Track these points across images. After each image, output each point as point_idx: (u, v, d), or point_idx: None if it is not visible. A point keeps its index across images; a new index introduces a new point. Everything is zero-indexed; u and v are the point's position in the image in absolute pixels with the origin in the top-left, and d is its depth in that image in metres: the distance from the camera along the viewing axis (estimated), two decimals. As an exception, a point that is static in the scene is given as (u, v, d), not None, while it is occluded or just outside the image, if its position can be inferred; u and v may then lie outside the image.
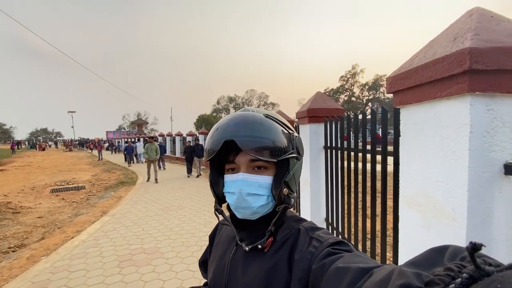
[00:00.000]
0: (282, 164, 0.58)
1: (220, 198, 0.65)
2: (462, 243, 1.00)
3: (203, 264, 0.84)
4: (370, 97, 38.34)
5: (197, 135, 14.59)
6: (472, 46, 0.91)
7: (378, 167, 1.88)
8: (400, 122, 1.39)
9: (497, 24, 0.99)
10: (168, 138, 18.96)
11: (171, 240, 4.11)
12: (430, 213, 1.17)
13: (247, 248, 0.59)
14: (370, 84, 38.23)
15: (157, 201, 6.52)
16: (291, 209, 0.66)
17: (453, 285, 0.23)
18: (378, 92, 37.73)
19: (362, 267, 0.40)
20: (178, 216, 5.30)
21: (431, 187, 1.17)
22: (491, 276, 0.22)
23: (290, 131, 0.61)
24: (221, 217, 0.67)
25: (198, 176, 10.34)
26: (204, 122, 37.00)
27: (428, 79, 1.11)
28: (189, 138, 14.72)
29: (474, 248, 0.24)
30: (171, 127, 47.63)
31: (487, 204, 0.98)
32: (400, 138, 1.38)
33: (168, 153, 18.53)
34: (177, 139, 17.17)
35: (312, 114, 2.86)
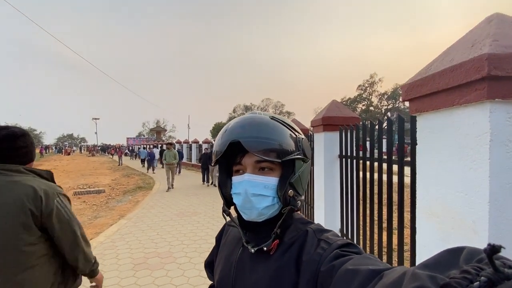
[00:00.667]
0: (287, 165, 0.58)
1: (228, 200, 0.67)
2: (484, 257, 0.95)
3: (209, 265, 0.85)
4: (389, 107, 37.40)
5: (213, 142, 14.85)
6: (490, 52, 0.88)
7: (395, 178, 1.82)
8: (416, 130, 1.36)
9: (518, 30, 0.96)
10: (185, 145, 19.40)
11: (184, 245, 4.15)
12: (449, 225, 1.12)
13: (252, 250, 0.59)
14: (389, 93, 37.34)
15: (173, 207, 6.63)
16: (299, 212, 0.66)
17: None
18: (397, 102, 36.71)
19: (372, 269, 0.39)
20: (192, 222, 5.35)
21: (449, 197, 1.12)
22: None
23: (296, 133, 0.61)
24: (228, 219, 0.68)
25: (213, 184, 9.77)
26: (220, 130, 37.68)
27: (445, 86, 1.08)
28: (205, 146, 14.97)
29: (493, 250, 0.23)
30: (188, 135, 48.74)
31: (507, 216, 0.93)
32: (417, 146, 1.34)
33: (184, 159, 18.91)
34: (194, 146, 17.51)
35: (327, 122, 2.84)
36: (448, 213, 1.13)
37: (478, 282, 0.22)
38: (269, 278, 0.56)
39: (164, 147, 24.01)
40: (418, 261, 1.37)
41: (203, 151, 10.45)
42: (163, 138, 42.04)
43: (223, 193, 0.66)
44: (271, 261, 0.58)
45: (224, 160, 0.64)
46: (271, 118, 0.61)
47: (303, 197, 0.61)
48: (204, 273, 3.24)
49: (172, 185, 9.24)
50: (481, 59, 0.90)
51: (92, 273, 1.25)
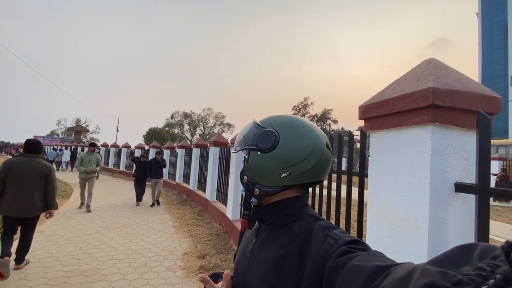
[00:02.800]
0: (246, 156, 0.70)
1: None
2: (425, 248, 1.17)
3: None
4: (318, 127, 41.69)
5: (146, 148, 13.74)
6: (435, 86, 1.14)
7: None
8: (368, 145, 1.60)
9: (449, 72, 1.27)
10: (112, 149, 17.36)
11: (115, 260, 3.68)
12: (395, 224, 1.35)
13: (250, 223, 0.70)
14: (318, 116, 41.69)
15: (98, 218, 5.81)
16: (310, 208, 0.71)
17: (485, 286, 0.21)
18: (325, 124, 41.26)
19: (379, 265, 0.39)
20: (124, 235, 4.79)
21: (396, 201, 1.35)
22: None
23: (257, 129, 0.68)
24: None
25: (153, 205, 7.39)
26: (155, 136, 35.06)
27: (397, 110, 1.33)
28: (138, 152, 13.74)
29: (511, 247, 0.22)
30: (116, 138, 43.86)
31: (442, 215, 1.18)
32: (370, 159, 1.57)
33: (111, 165, 16.87)
34: (123, 151, 15.86)
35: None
36: (395, 215, 1.36)
37: (493, 280, 0.21)
38: (273, 262, 0.60)
39: (80, 149, 20.88)
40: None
41: (140, 157, 8.01)
42: (84, 140, 36.70)
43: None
44: (276, 247, 0.62)
45: None
46: (253, 122, 0.72)
47: (262, 187, 0.66)
48: None
49: (88, 206, 6.32)
50: (428, 91, 1.16)
51: (52, 207, 3.45)
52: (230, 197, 5.13)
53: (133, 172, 8.01)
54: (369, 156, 1.59)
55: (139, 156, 8.56)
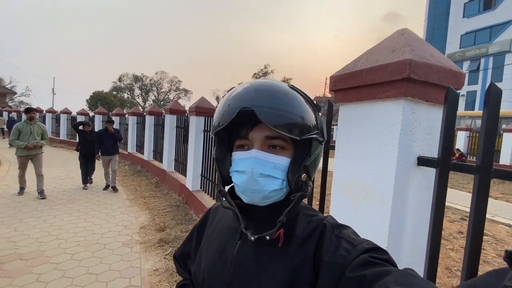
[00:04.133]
0: (303, 145, 0.51)
1: (225, 179, 0.56)
2: (387, 220, 1.22)
3: (182, 257, 0.71)
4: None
5: (91, 114, 12.28)
6: (412, 58, 1.10)
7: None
8: (338, 117, 1.57)
9: (422, 45, 1.24)
10: (49, 116, 15.22)
11: (60, 240, 3.34)
12: (360, 197, 1.38)
13: (252, 238, 0.52)
14: (278, 84, 41.87)
15: (35, 193, 5.15)
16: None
17: None
18: (284, 93, 41.76)
19: None
20: (69, 211, 4.36)
21: (363, 175, 1.37)
22: None
23: (315, 109, 0.54)
24: (224, 201, 0.57)
25: (107, 187, 5.78)
26: (101, 101, 31.54)
27: (371, 82, 1.28)
28: (80, 118, 12.25)
29: (511, 256, 0.23)
30: (53, 102, 38.43)
31: (404, 188, 1.23)
32: (338, 131, 1.55)
33: (49, 134, 14.91)
34: (63, 117, 14.02)
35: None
36: (360, 187, 1.38)
37: None
38: (284, 277, 0.49)
39: (15, 115, 17.98)
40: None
41: (85, 127, 6.04)
42: (10, 104, 31.41)
43: (221, 170, 0.55)
44: (285, 258, 0.51)
45: (224, 131, 0.52)
46: (291, 87, 0.53)
47: (311, 183, 0.55)
48: (95, 269, 2.77)
49: (42, 191, 4.94)
50: (405, 63, 1.11)
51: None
52: (190, 167, 4.94)
53: (77, 145, 6.04)
54: (334, 126, 1.57)
55: (82, 122, 6.32)
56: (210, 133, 0.57)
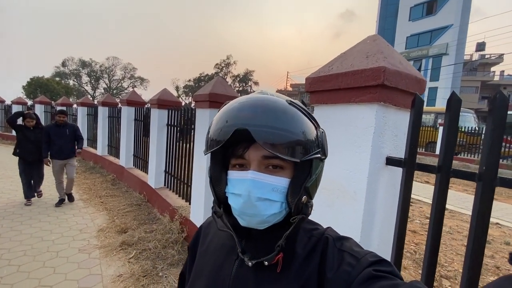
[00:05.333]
0: (303, 165, 0.48)
1: (220, 199, 0.53)
2: (360, 216, 1.30)
3: (181, 277, 0.67)
4: (240, 89, 41.76)
5: (29, 104, 10.76)
6: (386, 66, 1.17)
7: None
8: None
9: (392, 52, 1.32)
10: (-26, 105, 12.97)
11: (3, 250, 2.92)
12: (335, 195, 1.45)
13: (250, 264, 0.50)
14: (241, 77, 41.54)
15: (-37, 197, 4.40)
16: None
17: None
18: (246, 86, 41.66)
19: None
20: (11, 216, 3.82)
21: (337, 174, 1.43)
22: None
23: (316, 124, 0.52)
24: (220, 222, 0.54)
25: (61, 202, 4.41)
26: (41, 88, 27.81)
27: (346, 86, 1.33)
28: (16, 108, 10.70)
29: None
30: (-22, 89, 32.88)
31: (375, 186, 1.32)
32: (313, 132, 1.59)
33: (-26, 126, 12.77)
34: (-6, 107, 12.11)
35: (213, 99, 2.78)
36: (335, 186, 1.45)
37: None
38: None
39: None
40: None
41: (26, 121, 4.41)
42: None
43: (216, 191, 0.52)
44: (288, 280, 0.49)
45: (220, 149, 0.48)
46: (289, 103, 0.49)
47: (312, 202, 0.53)
48: (47, 281, 2.51)
49: None
50: (380, 70, 1.18)
51: None
52: (152, 164, 4.68)
53: (15, 147, 4.33)
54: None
55: (23, 112, 4.50)
56: (204, 152, 0.51)
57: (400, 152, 1.35)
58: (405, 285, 0.40)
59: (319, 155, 0.50)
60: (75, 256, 2.93)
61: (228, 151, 0.51)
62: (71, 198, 4.62)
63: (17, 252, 2.90)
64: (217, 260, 0.56)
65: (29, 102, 12.46)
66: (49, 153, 4.29)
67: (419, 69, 26.09)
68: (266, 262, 0.48)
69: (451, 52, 23.95)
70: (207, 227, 0.65)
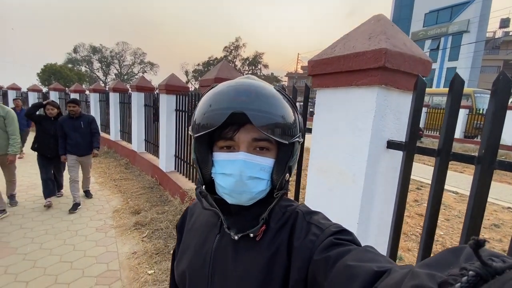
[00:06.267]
0: (286, 146, 0.53)
1: (206, 180, 0.56)
2: (358, 199, 1.33)
3: (173, 255, 0.72)
4: (249, 72, 41.16)
5: (45, 91, 11.06)
6: (388, 48, 1.14)
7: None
8: (315, 101, 1.61)
9: (396, 33, 1.28)
10: (-7, 92, 13.45)
11: (26, 229, 3.15)
12: (334, 178, 1.47)
13: (236, 237, 0.54)
14: (250, 60, 40.81)
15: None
16: None
17: (459, 284, 0.22)
18: (256, 68, 40.99)
19: (376, 270, 0.37)
20: (31, 198, 4.07)
21: (337, 157, 1.45)
22: (504, 274, 0.21)
23: (297, 110, 0.57)
24: (205, 202, 0.57)
25: (75, 207, 3.77)
26: (54, 75, 28.40)
27: (348, 68, 1.31)
28: (33, 95, 11.03)
29: (477, 244, 0.23)
30: (-4, 77, 33.92)
31: (375, 169, 1.33)
32: (315, 116, 1.59)
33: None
34: (11, 94, 12.51)
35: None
36: (334, 169, 1.47)
37: (466, 277, 0.22)
38: (260, 267, 0.52)
39: None
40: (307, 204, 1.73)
41: (42, 106, 3.85)
42: None
43: (203, 172, 0.55)
44: (261, 249, 0.54)
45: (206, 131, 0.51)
46: (277, 90, 0.54)
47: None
48: (70, 257, 2.67)
49: (12, 196, 3.81)
50: (381, 52, 1.15)
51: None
52: (163, 148, 4.80)
53: (33, 141, 3.84)
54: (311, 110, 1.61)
55: (41, 103, 3.89)
56: (193, 133, 0.54)
57: (402, 136, 1.34)
58: (357, 249, 0.44)
59: (300, 138, 0.55)
60: (93, 235, 3.13)
61: (215, 134, 0.53)
62: (88, 194, 4.28)
63: (40, 231, 3.12)
64: (201, 236, 0.61)
65: (44, 89, 12.80)
66: (64, 148, 3.79)
67: (437, 48, 24.82)
68: (251, 234, 0.53)
69: (473, 29, 22.54)
70: (193, 208, 0.70)
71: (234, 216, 0.57)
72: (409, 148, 1.22)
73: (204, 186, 0.57)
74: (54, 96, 10.32)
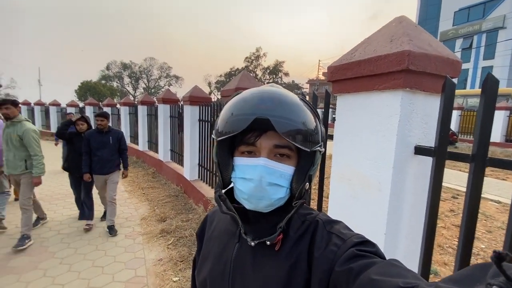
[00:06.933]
0: (307, 155, 0.53)
1: (225, 184, 0.57)
2: (385, 208, 1.26)
3: (194, 262, 0.74)
4: (270, 81, 41.48)
5: (80, 106, 11.98)
6: (410, 50, 1.10)
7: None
8: (336, 108, 1.57)
9: (420, 33, 1.23)
10: (37, 108, 14.83)
11: (62, 235, 3.38)
12: (358, 185, 1.42)
13: (252, 243, 0.54)
14: (271, 69, 41.19)
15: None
16: None
17: None
18: (277, 77, 41.24)
19: (402, 287, 0.35)
20: (68, 206, 4.36)
21: (360, 164, 1.40)
22: None
23: (319, 119, 0.56)
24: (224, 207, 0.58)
25: (104, 216, 3.79)
26: (89, 91, 30.74)
27: (369, 73, 1.28)
28: (71, 110, 11.97)
29: (499, 258, 0.23)
30: (40, 94, 37.38)
31: (402, 177, 1.26)
32: (336, 122, 1.56)
33: (38, 126, 14.59)
34: (52, 110, 13.69)
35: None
36: (357, 176, 1.42)
37: None
38: (281, 278, 0.51)
39: None
40: (330, 213, 1.68)
41: (72, 124, 3.68)
42: (-4, 97, 30.36)
43: (223, 176, 0.56)
44: (280, 258, 0.53)
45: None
46: (300, 99, 0.55)
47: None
48: (102, 262, 2.78)
49: (40, 219, 3.61)
50: (403, 54, 1.11)
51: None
52: (187, 157, 4.95)
53: (63, 161, 3.79)
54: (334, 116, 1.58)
55: (71, 121, 3.74)
56: (216, 137, 0.54)
57: (431, 141, 1.27)
58: (382, 262, 0.42)
59: (321, 147, 0.54)
60: (122, 241, 3.27)
61: (237, 138, 0.54)
62: (112, 231, 3.45)
63: (75, 237, 3.32)
64: (221, 244, 0.61)
65: (81, 104, 13.84)
66: (89, 166, 3.44)
67: (470, 47, 23.34)
68: (268, 242, 0.52)
69: (509, 25, 20.95)
70: (212, 215, 0.71)
71: (252, 223, 0.57)
72: (439, 153, 1.15)
73: (223, 191, 0.57)
74: (89, 111, 11.11)
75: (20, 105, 3.17)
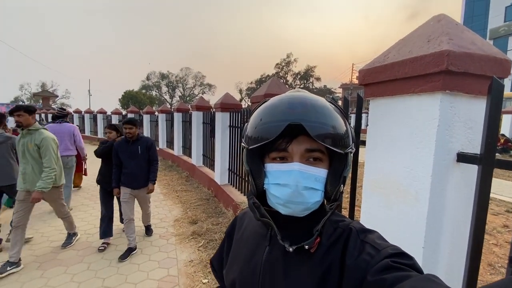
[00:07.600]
0: (339, 157, 0.53)
1: (259, 191, 0.56)
2: (423, 220, 1.17)
3: (217, 262, 0.75)
4: (301, 86, 41.12)
5: (124, 113, 13.00)
6: (450, 49, 1.02)
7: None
8: (368, 112, 1.51)
9: (462, 32, 1.15)
10: (87, 116, 16.40)
11: (105, 232, 3.65)
12: (393, 195, 1.34)
13: (291, 249, 0.52)
14: (302, 74, 40.87)
15: (84, 190, 5.64)
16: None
17: None
18: (308, 82, 40.74)
19: None
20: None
21: (395, 172, 1.32)
22: None
23: (349, 122, 0.56)
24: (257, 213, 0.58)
25: (128, 253, 3.03)
26: (131, 100, 33.25)
27: (403, 75, 1.21)
28: (115, 118, 13.03)
29: None
30: (89, 103, 41.32)
31: (442, 186, 1.17)
32: (369, 127, 1.50)
33: (87, 133, 16.11)
34: (99, 117, 15.02)
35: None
36: (392, 185, 1.34)
37: None
38: (313, 285, 0.50)
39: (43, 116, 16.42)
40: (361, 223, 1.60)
41: (110, 134, 3.34)
42: (53, 106, 34.26)
43: (256, 183, 0.56)
44: (313, 265, 0.52)
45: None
46: (329, 102, 0.56)
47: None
48: (138, 259, 2.92)
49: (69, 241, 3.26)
50: (442, 54, 1.04)
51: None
52: (218, 162, 5.08)
53: (98, 175, 3.38)
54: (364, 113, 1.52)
55: (106, 141, 3.41)
56: (247, 145, 0.54)
57: (478, 148, 1.16)
58: (419, 276, 0.40)
59: (352, 148, 0.54)
60: (157, 241, 3.44)
61: (267, 145, 0.54)
62: (149, 231, 3.60)
63: (115, 234, 3.57)
64: (250, 247, 0.62)
65: (124, 112, 15.00)
66: (118, 179, 3.14)
67: (528, 44, 20.83)
68: (306, 246, 0.51)
69: None
70: (242, 217, 0.72)
71: (286, 228, 0.57)
72: (486, 161, 1.04)
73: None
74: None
75: (35, 113, 2.84)
